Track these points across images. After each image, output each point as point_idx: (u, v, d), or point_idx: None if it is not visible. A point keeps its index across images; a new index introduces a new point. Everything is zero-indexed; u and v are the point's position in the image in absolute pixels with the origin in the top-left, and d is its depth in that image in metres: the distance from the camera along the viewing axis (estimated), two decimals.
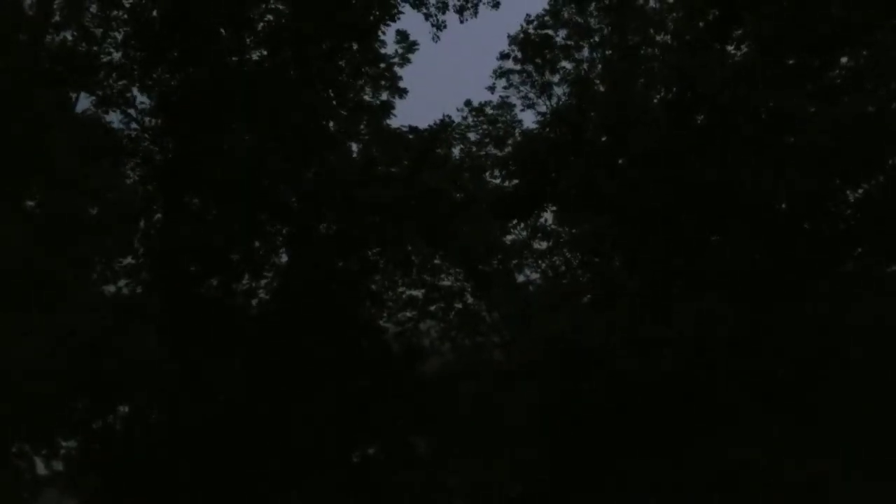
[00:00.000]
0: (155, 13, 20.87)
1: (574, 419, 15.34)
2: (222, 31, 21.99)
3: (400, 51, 24.39)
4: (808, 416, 13.97)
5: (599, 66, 23.84)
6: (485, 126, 28.08)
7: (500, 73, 27.26)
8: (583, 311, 16.75)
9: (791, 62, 15.29)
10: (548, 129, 18.28)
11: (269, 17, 22.25)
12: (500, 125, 27.91)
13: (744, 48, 15.53)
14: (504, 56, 27.10)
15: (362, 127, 25.25)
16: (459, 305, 25.94)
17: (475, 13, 23.76)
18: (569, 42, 25.85)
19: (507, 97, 27.68)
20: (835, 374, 13.60)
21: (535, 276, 27.05)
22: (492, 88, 27.59)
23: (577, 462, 16.23)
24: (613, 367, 14.64)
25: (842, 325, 13.77)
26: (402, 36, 24.36)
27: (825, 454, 13.10)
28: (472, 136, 27.88)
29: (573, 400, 14.94)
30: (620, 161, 17.39)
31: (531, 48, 26.34)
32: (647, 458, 15.25)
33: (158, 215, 22.06)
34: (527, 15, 26.13)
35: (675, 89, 16.18)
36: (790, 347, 14.19)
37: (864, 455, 12.95)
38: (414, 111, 25.51)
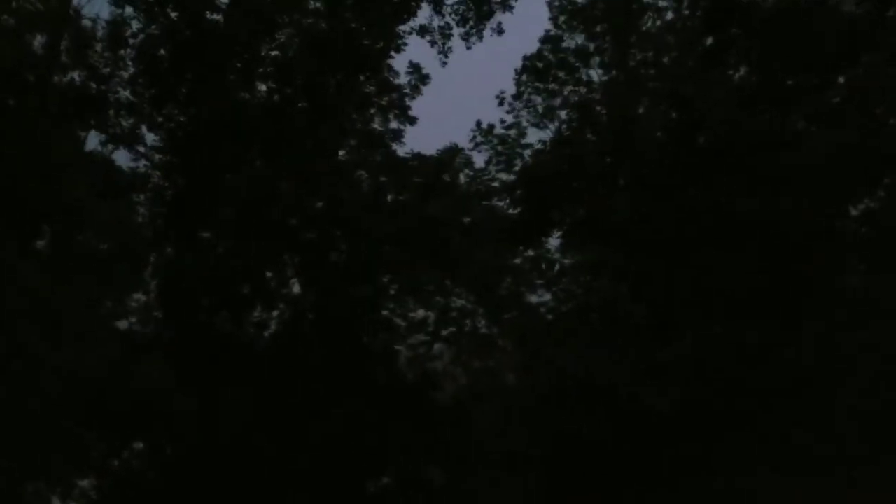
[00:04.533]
0: (163, 51, 21.13)
1: (585, 449, 15.27)
2: (231, 66, 22.24)
3: (413, 82, 24.70)
4: (816, 438, 13.82)
5: (600, 88, 23.92)
6: (496, 147, 28.12)
7: (501, 101, 27.41)
8: (589, 341, 16.66)
9: (788, 83, 15.29)
10: (550, 156, 18.33)
11: (276, 52, 22.42)
12: (509, 144, 27.94)
13: (741, 71, 15.56)
14: (518, 75, 27.23)
15: (372, 154, 25.47)
16: (470, 329, 25.91)
17: (480, 38, 24.11)
18: (573, 63, 25.99)
19: (517, 118, 27.80)
20: (840, 394, 13.47)
21: (546, 297, 27.01)
22: (501, 101, 27.58)
23: (588, 491, 16.13)
24: (622, 398, 14.59)
25: (847, 344, 13.67)
26: (415, 67, 24.68)
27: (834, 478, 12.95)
28: (479, 159, 27.96)
29: (583, 430, 14.88)
30: (622, 183, 17.42)
31: (537, 72, 26.51)
32: (659, 488, 15.14)
33: (169, 250, 22.25)
34: (545, 31, 26.37)
35: (674, 114, 16.21)
36: (795, 367, 14.08)
37: (871, 475, 12.80)
38: (419, 134, 25.71)
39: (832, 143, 13.21)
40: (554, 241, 22.82)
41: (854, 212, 14.78)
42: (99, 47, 19.96)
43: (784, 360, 13.89)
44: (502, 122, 27.76)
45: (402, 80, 24.60)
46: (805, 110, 14.49)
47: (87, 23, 19.76)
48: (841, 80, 14.41)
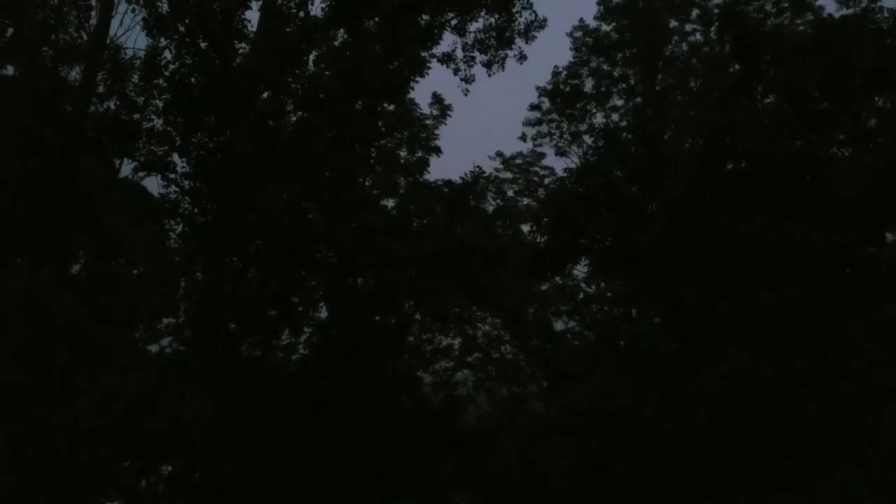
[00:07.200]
0: (194, 80, 21.43)
1: (610, 478, 15.20)
2: (259, 95, 22.50)
3: (435, 113, 25.00)
4: (849, 465, 13.70)
5: (626, 113, 24.07)
6: (516, 176, 28.43)
7: (528, 124, 27.64)
8: (614, 372, 16.59)
9: (821, 108, 15.28)
10: (577, 183, 18.38)
11: (303, 80, 22.67)
12: (531, 175, 28.24)
13: (770, 99, 15.59)
14: (534, 107, 27.55)
15: (398, 180, 25.71)
16: (497, 355, 25.96)
17: (502, 67, 24.34)
18: (598, 89, 26.19)
19: (539, 145, 28.07)
20: (874, 423, 13.35)
21: (571, 323, 26.99)
22: (523, 138, 27.97)
23: None
24: (648, 430, 14.52)
25: (886, 379, 13.55)
26: (437, 98, 24.98)
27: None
28: (505, 186, 28.23)
29: (610, 461, 14.82)
30: (651, 210, 17.40)
31: (561, 99, 26.73)
32: None
33: (198, 275, 22.43)
34: (555, 66, 26.71)
35: (701, 141, 16.25)
36: (828, 397, 13.98)
37: None
38: (443, 162, 26.05)
39: (867, 168, 13.17)
40: (581, 270, 22.92)
41: (891, 238, 14.67)
42: (134, 77, 20.31)
43: (818, 393, 13.76)
44: (519, 153, 28.21)
45: (425, 110, 25.00)
46: (839, 135, 14.47)
47: (123, 54, 20.13)
48: (878, 101, 14.35)
